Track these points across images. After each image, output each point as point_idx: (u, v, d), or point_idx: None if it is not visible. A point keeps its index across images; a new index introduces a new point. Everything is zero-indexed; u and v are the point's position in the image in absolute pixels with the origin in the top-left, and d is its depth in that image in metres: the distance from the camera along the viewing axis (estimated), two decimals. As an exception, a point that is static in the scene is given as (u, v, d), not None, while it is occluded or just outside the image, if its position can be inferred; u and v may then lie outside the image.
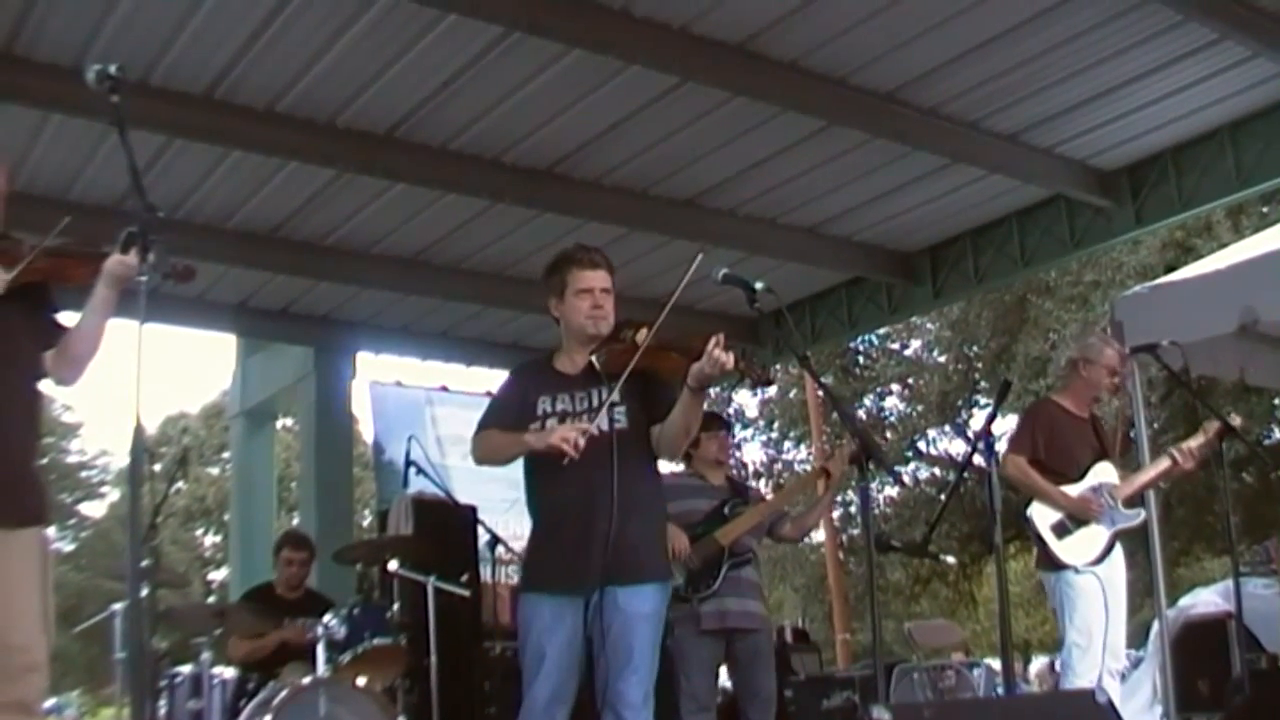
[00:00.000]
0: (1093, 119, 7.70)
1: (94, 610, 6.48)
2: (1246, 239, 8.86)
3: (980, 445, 4.88)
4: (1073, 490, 5.54)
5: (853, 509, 20.98)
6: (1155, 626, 7.69)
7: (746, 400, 24.08)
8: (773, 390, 22.64)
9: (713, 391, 17.38)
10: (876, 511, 20.87)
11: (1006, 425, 8.20)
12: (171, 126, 6.91)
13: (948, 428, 22.36)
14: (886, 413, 23.34)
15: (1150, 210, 8.47)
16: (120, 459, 34.52)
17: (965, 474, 12.28)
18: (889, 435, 22.55)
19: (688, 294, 3.85)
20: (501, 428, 4.08)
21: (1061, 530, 5.49)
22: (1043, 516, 5.52)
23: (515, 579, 7.49)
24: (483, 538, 7.63)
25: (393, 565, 6.45)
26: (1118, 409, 6.86)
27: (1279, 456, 16.90)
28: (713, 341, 3.62)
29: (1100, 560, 5.47)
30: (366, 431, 14.18)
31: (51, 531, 3.45)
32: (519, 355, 10.09)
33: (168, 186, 7.60)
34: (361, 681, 5.79)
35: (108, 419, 54.47)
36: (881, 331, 20.75)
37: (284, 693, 5.39)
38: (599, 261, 4.12)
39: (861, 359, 23.03)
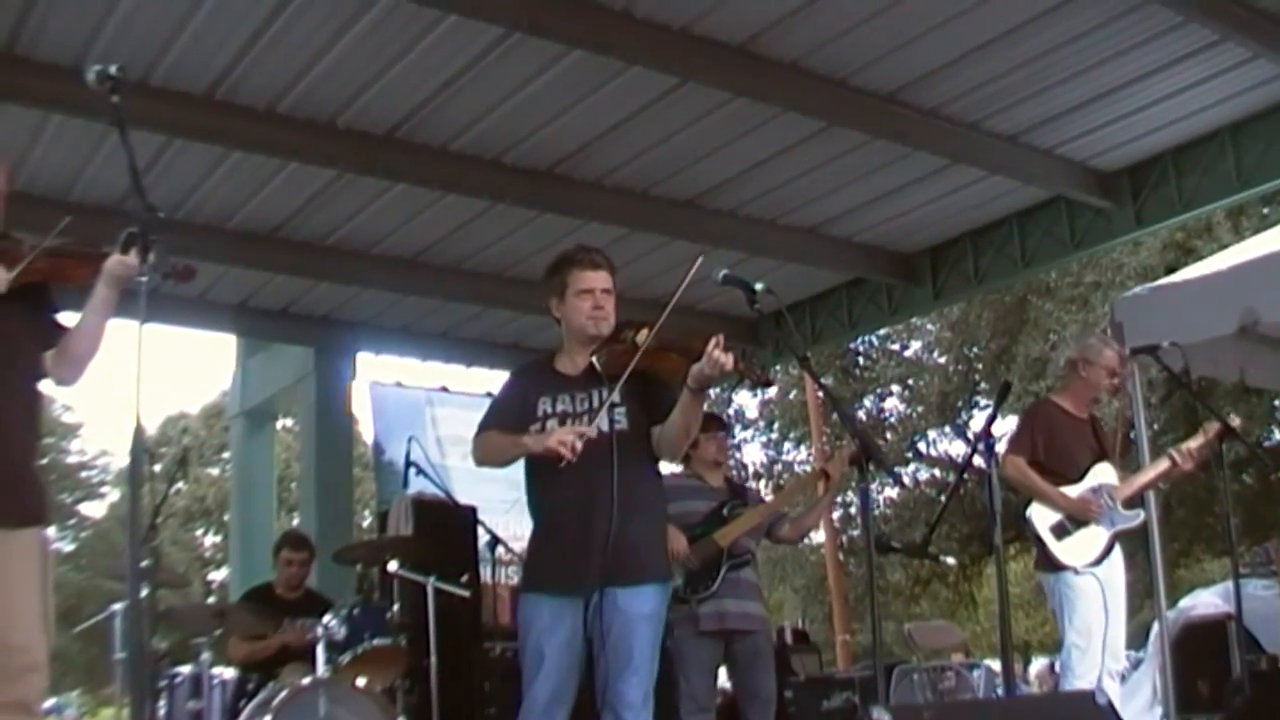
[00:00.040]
0: (1093, 120, 7.70)
1: (94, 610, 6.48)
2: (1247, 240, 8.86)
3: (980, 446, 4.88)
4: (1072, 491, 5.54)
5: (853, 510, 20.99)
6: (1155, 628, 7.70)
7: (746, 401, 24.10)
8: (773, 391, 22.64)
9: (713, 392, 17.39)
10: (876, 512, 20.87)
11: (1006, 426, 8.21)
12: (172, 127, 6.91)
13: (948, 429, 22.36)
14: (886, 414, 23.35)
15: (1151, 211, 8.48)
16: (120, 459, 34.56)
17: (965, 475, 12.26)
18: (889, 436, 22.55)
19: (688, 295, 3.85)
20: (502, 429, 4.07)
21: (1061, 531, 5.49)
22: (1042, 517, 5.52)
23: (515, 580, 7.50)
24: (483, 538, 7.63)
25: (393, 566, 6.45)
26: (1118, 410, 6.87)
27: (1279, 458, 16.89)
28: (712, 343, 3.62)
29: (1099, 561, 5.47)
30: (366, 432, 14.19)
31: (51, 532, 3.45)
32: (519, 356, 10.11)
33: (168, 187, 7.61)
34: (361, 682, 5.79)
35: (108, 419, 54.55)
36: (882, 332, 20.76)
37: (284, 693, 5.39)
38: (600, 262, 4.12)
39: (861, 360, 23.03)
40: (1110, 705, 4.00)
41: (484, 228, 8.75)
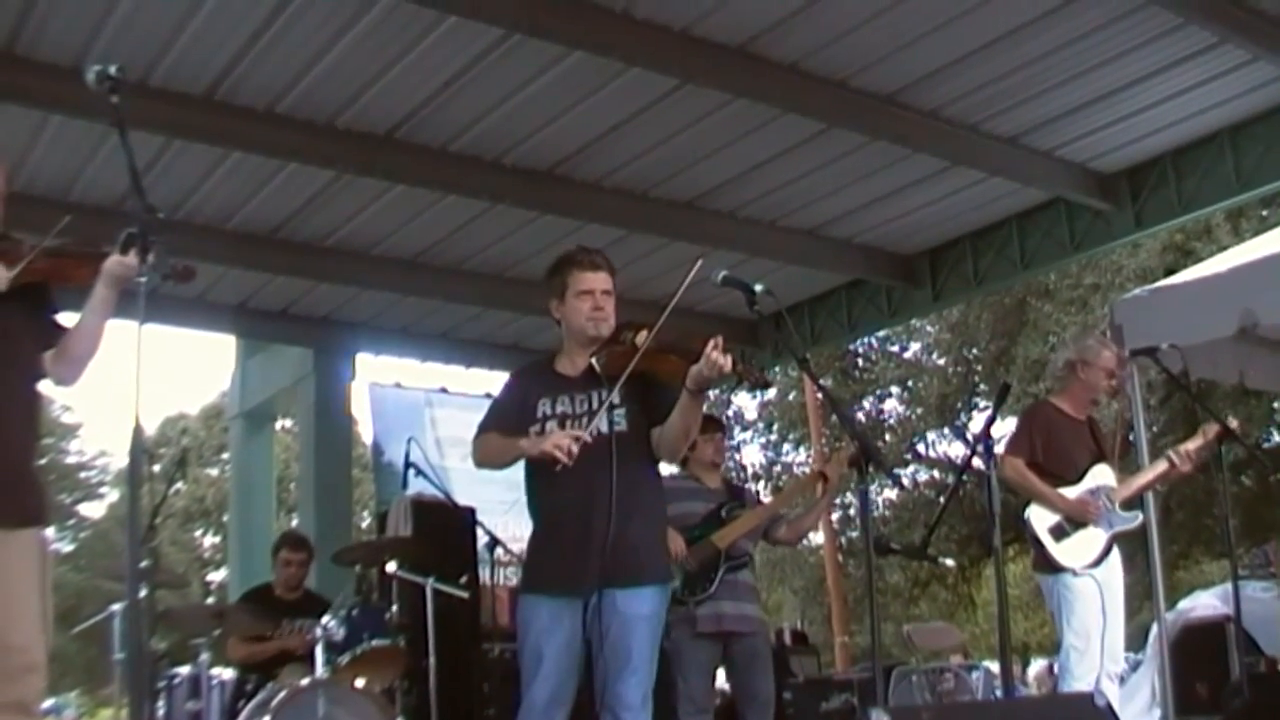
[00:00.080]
0: (1093, 122, 7.71)
1: (93, 611, 6.47)
2: (1246, 242, 8.87)
3: (979, 448, 4.88)
4: (1070, 493, 5.54)
5: (852, 511, 21.00)
6: (1154, 629, 7.70)
7: (746, 402, 24.10)
8: (772, 392, 22.63)
9: (712, 394, 17.39)
10: (875, 514, 20.87)
11: (1006, 428, 8.21)
12: (171, 127, 6.92)
13: (947, 430, 22.38)
14: (886, 415, 23.36)
15: (1150, 213, 8.48)
16: (119, 460, 34.55)
17: (964, 477, 12.29)
18: (888, 438, 22.56)
19: (687, 296, 3.85)
20: (501, 431, 4.07)
21: (1059, 533, 5.49)
22: (1040, 519, 5.52)
23: (514, 581, 7.49)
24: (482, 539, 7.60)
25: (391, 567, 6.45)
26: (1117, 412, 6.86)
27: (1278, 460, 16.91)
28: (710, 344, 3.62)
29: (1098, 563, 5.47)
30: (366, 433, 14.17)
31: (50, 532, 3.45)
32: (519, 357, 10.11)
33: (168, 187, 7.61)
34: (360, 683, 5.79)
35: (107, 420, 54.47)
36: (881, 334, 20.75)
37: (282, 694, 5.39)
38: (600, 263, 4.12)
39: (861, 361, 23.04)
40: (1109, 707, 4.00)
41: (484, 229, 8.75)
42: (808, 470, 20.43)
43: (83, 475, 35.82)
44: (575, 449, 3.74)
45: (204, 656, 5.80)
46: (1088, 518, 5.50)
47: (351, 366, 10.75)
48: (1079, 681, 5.32)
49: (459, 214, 8.52)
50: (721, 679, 6.31)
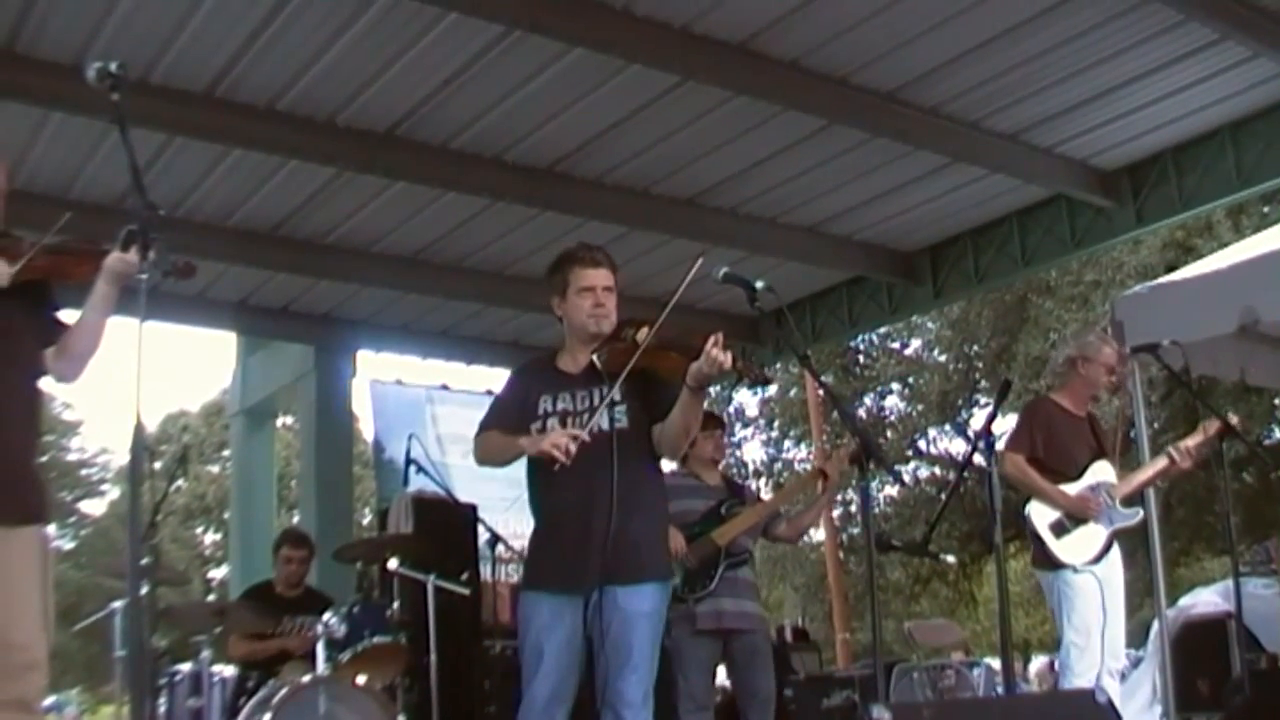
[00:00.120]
0: (1093, 119, 7.70)
1: (94, 608, 6.48)
2: (1247, 239, 8.87)
3: (980, 444, 4.88)
4: (1071, 489, 5.54)
5: (853, 508, 21.02)
6: (1155, 626, 7.70)
7: (747, 399, 24.12)
8: (773, 389, 22.66)
9: (713, 391, 17.38)
10: (876, 511, 20.88)
11: (1007, 425, 8.20)
12: (172, 125, 6.92)
13: (948, 427, 22.39)
14: (887, 412, 23.38)
15: (1151, 210, 8.48)
16: (120, 457, 34.61)
17: (965, 473, 12.30)
18: (889, 434, 22.57)
19: (688, 293, 3.85)
20: (502, 428, 4.08)
21: (1060, 529, 5.49)
22: (1041, 515, 5.52)
23: (515, 578, 7.49)
24: (483, 536, 7.63)
25: (393, 564, 6.44)
26: (1118, 409, 6.86)
27: (1279, 456, 16.90)
28: (711, 341, 3.62)
29: (1098, 559, 5.47)
30: (367, 430, 14.18)
31: (51, 529, 3.45)
32: (519, 354, 10.12)
33: (168, 185, 7.61)
34: (361, 680, 5.80)
35: (108, 417, 54.53)
36: (882, 331, 20.78)
37: (284, 691, 5.39)
38: (601, 260, 4.12)
39: (862, 358, 23.06)
40: (1110, 703, 4.00)
41: (484, 226, 8.75)
42: (809, 467, 20.47)
43: (84, 472, 35.86)
44: (573, 448, 3.74)
45: (205, 654, 5.81)
46: (1088, 514, 5.50)
47: (352, 363, 10.75)
48: (1079, 678, 5.32)
49: (459, 211, 8.52)
50: (722, 676, 6.31)
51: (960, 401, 21.54)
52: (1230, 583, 7.14)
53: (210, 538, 35.39)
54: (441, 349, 11.23)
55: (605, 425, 3.89)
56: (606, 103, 7.19)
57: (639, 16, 6.36)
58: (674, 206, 8.58)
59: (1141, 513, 5.69)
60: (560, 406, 4.03)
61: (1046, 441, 5.60)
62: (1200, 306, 6.63)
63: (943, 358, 21.86)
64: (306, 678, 5.57)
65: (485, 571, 7.76)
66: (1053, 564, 5.48)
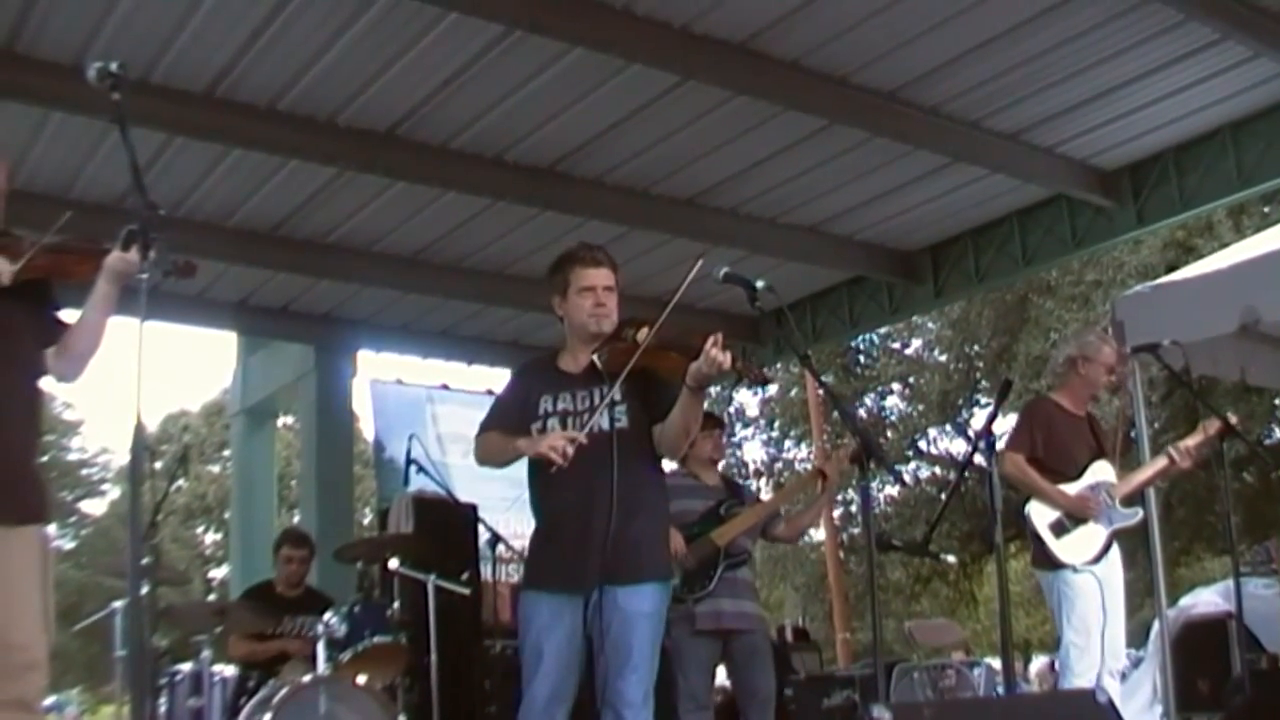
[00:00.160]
0: (1094, 118, 7.70)
1: (94, 608, 6.47)
2: (1248, 239, 8.86)
3: (981, 444, 4.87)
4: (1071, 489, 5.54)
5: (853, 508, 21.02)
6: (1155, 626, 7.69)
7: (747, 399, 24.12)
8: (773, 389, 22.66)
9: (713, 391, 17.38)
10: (877, 510, 20.87)
11: (1007, 425, 8.20)
12: (172, 124, 6.92)
13: (948, 427, 22.38)
14: (887, 412, 23.37)
15: (1151, 210, 8.48)
16: (121, 457, 34.57)
17: (966, 473, 12.30)
18: (890, 434, 22.56)
19: (689, 293, 3.85)
20: (503, 429, 4.08)
21: (1059, 529, 5.48)
22: (1041, 515, 5.51)
23: (516, 577, 7.49)
24: (483, 536, 7.62)
25: (393, 563, 6.45)
26: (1119, 409, 6.86)
27: (1279, 456, 16.90)
28: (710, 341, 3.61)
29: (1098, 559, 5.46)
30: (367, 429, 14.20)
31: (52, 529, 3.45)
32: (519, 353, 10.13)
33: (169, 184, 7.61)
34: (362, 680, 5.80)
35: (108, 417, 54.59)
36: (882, 331, 20.77)
37: (284, 691, 5.39)
38: (602, 260, 4.12)
39: (862, 358, 23.05)
40: (1110, 703, 3.99)
41: (484, 226, 8.75)
42: (809, 467, 20.47)
43: (84, 472, 35.85)
44: (570, 450, 3.74)
45: (206, 653, 5.80)
46: (1088, 513, 5.50)
47: (352, 363, 10.76)
48: (1079, 678, 5.32)
49: (460, 211, 8.52)
50: (723, 676, 6.31)
51: (961, 401, 21.54)
52: (1231, 583, 7.14)
53: (211, 537, 35.39)
54: (442, 349, 11.24)
55: (605, 425, 3.89)
56: (607, 103, 7.19)
57: (639, 16, 6.36)
58: (674, 206, 8.59)
59: (1141, 512, 5.68)
60: (561, 406, 4.03)
61: (1046, 441, 5.60)
62: (1201, 306, 6.63)
63: (943, 358, 21.86)
64: (307, 677, 5.58)
65: (486, 571, 7.76)
66: (1052, 564, 5.48)
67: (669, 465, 5.03)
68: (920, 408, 22.27)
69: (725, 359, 3.61)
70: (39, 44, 6.26)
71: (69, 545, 33.21)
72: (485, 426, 4.14)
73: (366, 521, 17.76)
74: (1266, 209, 15.45)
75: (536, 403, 4.06)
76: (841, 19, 6.49)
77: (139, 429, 2.96)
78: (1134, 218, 8.54)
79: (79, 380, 3.40)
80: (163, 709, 5.84)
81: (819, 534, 20.04)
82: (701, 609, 5.58)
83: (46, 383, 3.41)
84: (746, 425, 24.37)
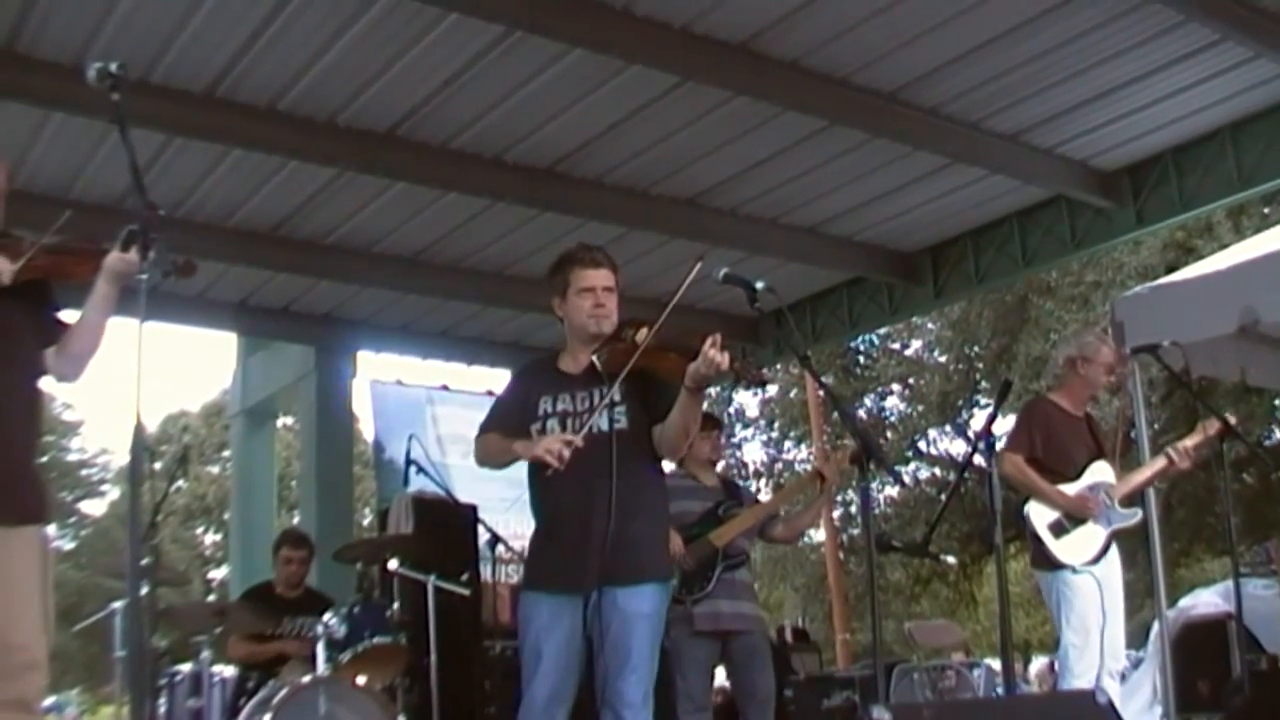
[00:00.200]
0: (1094, 119, 7.70)
1: (94, 608, 6.48)
2: (1247, 240, 8.86)
3: (981, 445, 4.88)
4: (1070, 489, 5.54)
5: (853, 509, 21.01)
6: (1155, 627, 7.69)
7: (747, 400, 24.12)
8: (773, 390, 22.65)
9: (712, 391, 17.38)
10: (877, 511, 20.87)
11: (1007, 425, 8.20)
12: (172, 125, 6.92)
13: (948, 428, 22.38)
14: (887, 413, 23.36)
15: (1151, 211, 8.48)
16: (120, 457, 34.57)
17: (966, 474, 12.29)
18: (889, 435, 22.56)
19: (689, 294, 3.85)
20: (502, 430, 4.08)
21: (1059, 529, 5.48)
22: (1040, 515, 5.51)
23: (515, 578, 7.49)
24: (483, 537, 7.63)
25: (393, 564, 6.44)
26: (1118, 409, 6.86)
27: (1279, 457, 16.90)
28: (708, 342, 3.61)
29: (1097, 560, 5.47)
30: (367, 430, 14.20)
31: (52, 529, 3.45)
32: (519, 354, 10.13)
33: (168, 185, 7.61)
34: (361, 680, 5.80)
35: (108, 417, 54.53)
36: (882, 331, 20.77)
37: (284, 691, 5.39)
38: (601, 260, 4.12)
39: (862, 359, 23.04)
40: (1110, 704, 4.00)
41: (484, 226, 8.75)
42: (809, 468, 20.46)
43: (84, 473, 35.84)
44: (566, 454, 3.73)
45: (205, 654, 5.80)
46: (1088, 514, 5.50)
47: (352, 364, 10.76)
48: (1078, 679, 5.32)
49: (459, 212, 8.52)
50: (722, 677, 6.31)
51: (960, 402, 21.53)
52: (1230, 583, 7.13)
53: (210, 538, 35.37)
54: (441, 349, 11.24)
55: (604, 426, 3.89)
56: (606, 103, 7.19)
57: (639, 17, 6.36)
58: (674, 207, 8.59)
59: (1140, 513, 5.68)
60: (560, 407, 4.03)
61: (1045, 441, 5.60)
62: (1200, 307, 6.63)
63: (943, 358, 21.85)
64: (306, 678, 5.58)
65: (485, 572, 7.76)
66: (1051, 564, 5.48)
67: (668, 466, 5.04)
68: (920, 408, 22.26)
69: (723, 360, 3.60)
70: (39, 44, 6.26)
71: (69, 546, 33.22)
72: (485, 428, 4.14)
73: (366, 522, 17.76)
74: (1266, 210, 15.45)
75: (536, 404, 4.06)
76: (841, 19, 6.49)
77: (139, 430, 2.96)
78: (1133, 218, 8.54)
79: (79, 380, 3.40)
80: (162, 710, 5.84)
81: (819, 535, 20.04)
82: (700, 610, 5.58)
83: (46, 383, 3.41)
84: (746, 426, 24.38)
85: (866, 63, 6.94)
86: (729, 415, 23.30)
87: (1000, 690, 7.69)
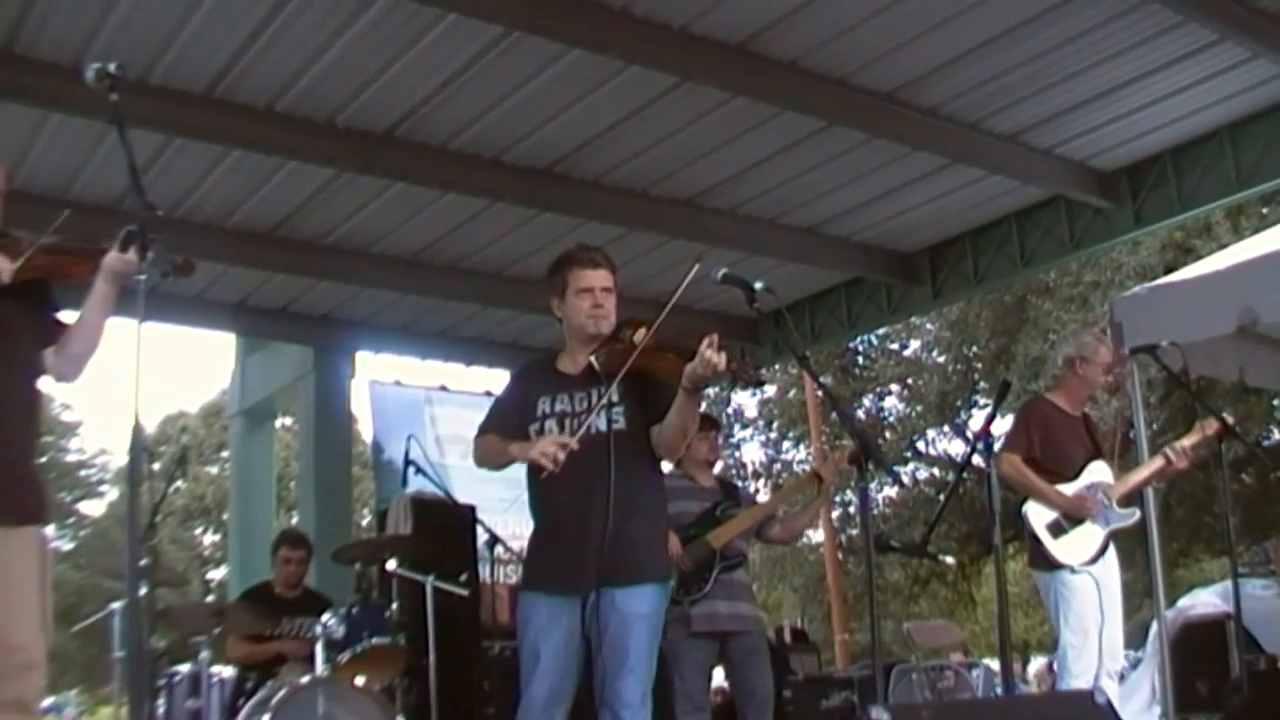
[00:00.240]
0: (1092, 119, 7.71)
1: (93, 609, 6.48)
2: (1246, 240, 8.87)
3: (979, 445, 4.88)
4: (1068, 489, 5.54)
5: (852, 509, 21.02)
6: (1154, 627, 7.70)
7: (746, 400, 24.11)
8: (772, 390, 22.65)
9: (711, 392, 17.38)
10: (875, 512, 20.87)
11: (1006, 425, 8.21)
12: (171, 125, 6.92)
13: (947, 428, 22.38)
14: (886, 413, 23.36)
15: (1150, 211, 8.48)
16: (119, 458, 34.54)
17: (964, 474, 12.30)
18: (888, 435, 22.56)
19: (687, 294, 3.85)
20: (501, 431, 4.08)
21: (1057, 529, 5.49)
22: (1038, 515, 5.52)
23: (514, 579, 7.48)
24: (481, 537, 7.62)
25: (391, 564, 6.44)
26: (1117, 409, 6.86)
27: (1278, 457, 16.91)
28: (705, 342, 3.61)
29: (1095, 560, 5.47)
30: (365, 431, 14.18)
31: (50, 530, 3.45)
32: (518, 355, 10.13)
33: (167, 185, 7.61)
34: (360, 681, 5.80)
35: (107, 418, 54.38)
36: (881, 332, 20.77)
37: (282, 692, 5.39)
38: (600, 261, 4.12)
39: (861, 359, 23.04)
40: (1109, 704, 4.00)
41: (483, 226, 8.75)
42: (808, 468, 20.46)
43: (83, 473, 35.83)
44: (561, 456, 3.74)
45: (204, 655, 5.80)
46: (1086, 513, 5.50)
47: (351, 364, 10.76)
48: (1077, 679, 5.32)
49: (458, 212, 8.52)
50: (721, 677, 6.31)
51: (959, 403, 21.54)
52: (1229, 584, 7.14)
53: (209, 539, 35.34)
54: (440, 350, 11.23)
55: (602, 426, 3.89)
56: (605, 103, 7.19)
57: (638, 17, 6.36)
58: (673, 207, 8.59)
59: (1138, 513, 5.69)
60: (559, 408, 4.03)
61: (1043, 442, 5.60)
62: (1199, 307, 6.64)
63: (942, 359, 21.85)
64: (305, 679, 5.57)
65: (484, 572, 7.75)
66: (1050, 564, 5.48)
67: (665, 467, 5.04)
68: (919, 409, 22.27)
69: (720, 360, 3.60)
70: (38, 44, 6.26)
71: (67, 546, 33.20)
72: (484, 429, 4.15)
73: (365, 523, 17.74)
74: (1265, 210, 15.46)
75: (535, 404, 4.06)
76: (840, 20, 6.49)
77: (137, 430, 2.96)
78: (1132, 219, 8.54)
79: (78, 381, 3.41)
80: (161, 710, 5.83)
81: (817, 535, 20.05)
82: (697, 611, 5.58)
83: (45, 383, 3.41)
84: (745, 427, 24.38)
85: (865, 63, 6.94)
86: (728, 416, 23.30)
87: (999, 690, 7.69)
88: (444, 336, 10.97)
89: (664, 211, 8.57)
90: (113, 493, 34.91)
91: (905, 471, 22.59)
